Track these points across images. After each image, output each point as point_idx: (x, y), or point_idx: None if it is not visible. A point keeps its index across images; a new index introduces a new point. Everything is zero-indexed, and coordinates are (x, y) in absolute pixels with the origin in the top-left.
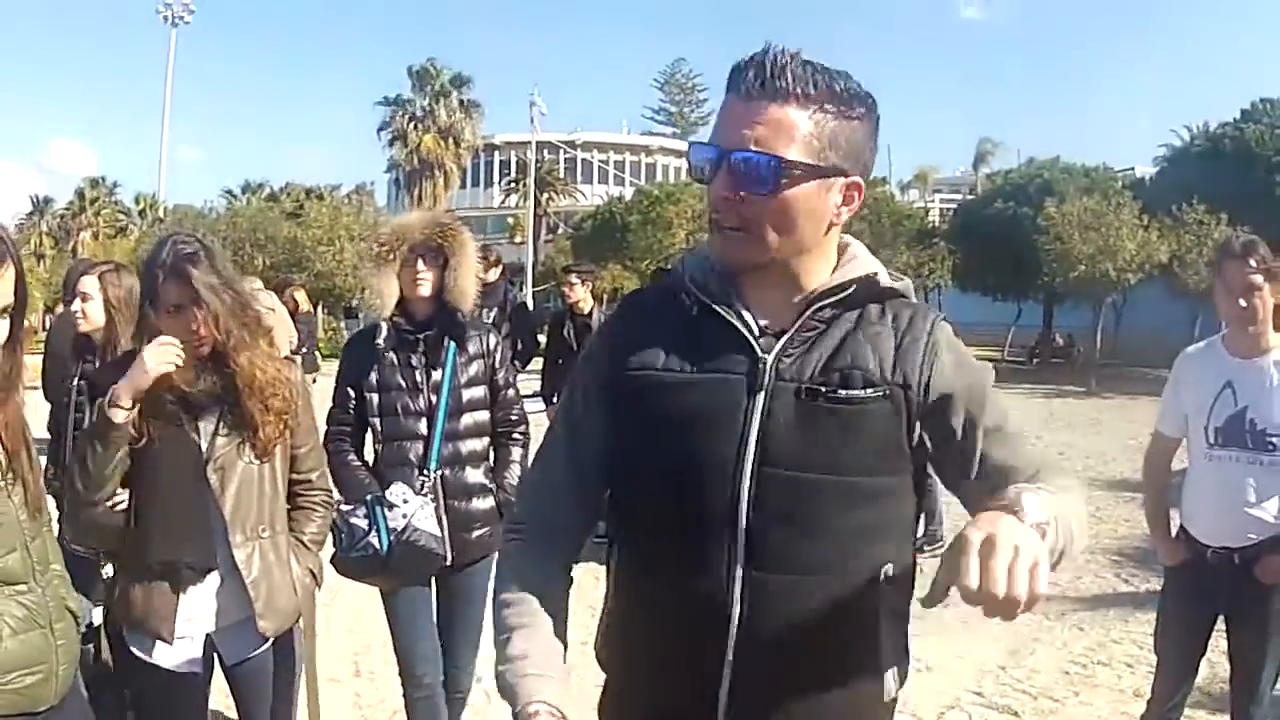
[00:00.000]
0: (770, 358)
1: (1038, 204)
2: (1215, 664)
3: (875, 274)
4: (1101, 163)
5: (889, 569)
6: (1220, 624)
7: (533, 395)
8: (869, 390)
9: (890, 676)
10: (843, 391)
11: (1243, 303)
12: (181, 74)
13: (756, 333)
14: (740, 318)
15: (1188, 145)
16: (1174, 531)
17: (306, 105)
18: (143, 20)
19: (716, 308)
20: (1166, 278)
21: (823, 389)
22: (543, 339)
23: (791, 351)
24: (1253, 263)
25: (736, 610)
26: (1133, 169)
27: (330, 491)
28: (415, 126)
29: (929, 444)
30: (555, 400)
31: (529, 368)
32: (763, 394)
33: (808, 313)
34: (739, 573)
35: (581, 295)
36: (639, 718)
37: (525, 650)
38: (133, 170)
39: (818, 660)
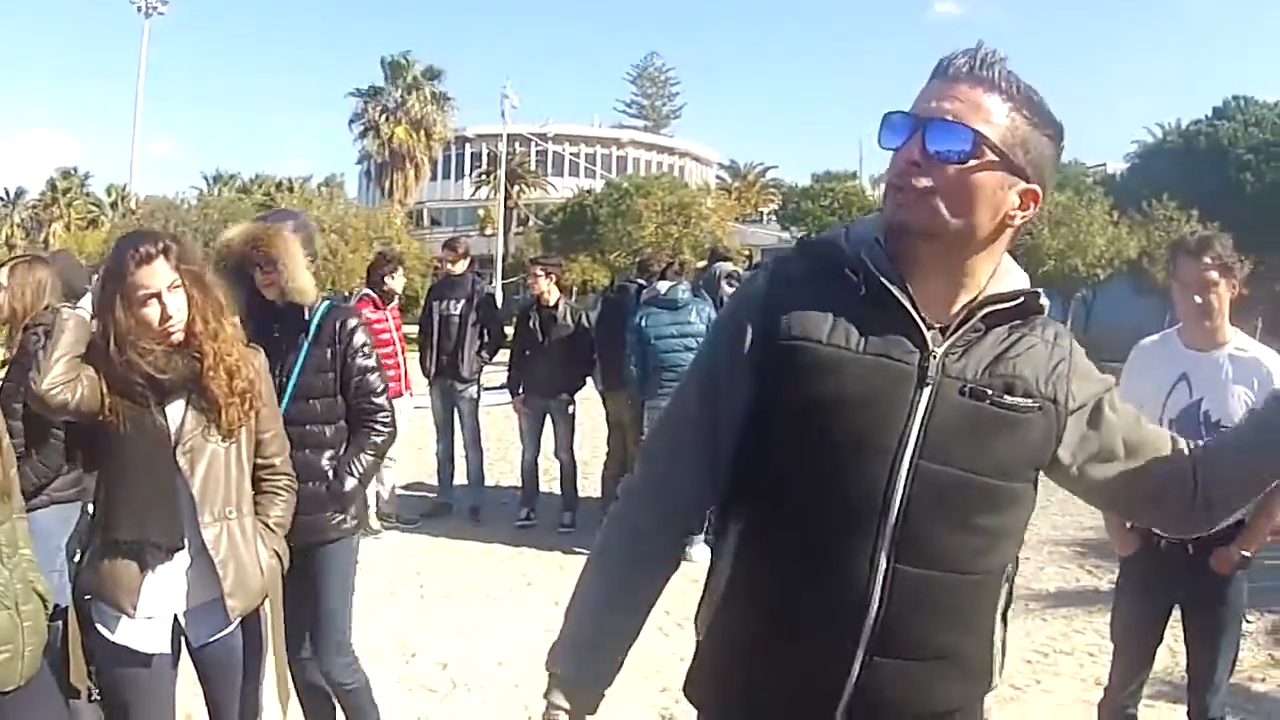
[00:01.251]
0: (940, 351)
1: None
2: (1176, 653)
3: (1037, 290)
4: (1073, 158)
5: (1009, 569)
6: (1177, 613)
7: (499, 387)
8: (1029, 400)
9: (996, 669)
10: (1007, 398)
11: (1198, 299)
12: (156, 65)
13: (925, 324)
14: (914, 304)
15: (1160, 142)
16: (1129, 522)
17: (279, 97)
18: (117, 10)
19: (892, 289)
20: (1136, 273)
21: (989, 392)
22: (510, 331)
23: (956, 349)
24: (1208, 259)
25: (875, 601)
26: (1105, 165)
27: (293, 476)
28: (387, 118)
29: (1073, 453)
30: (521, 392)
31: (496, 360)
32: (930, 387)
33: (979, 313)
34: (883, 564)
35: (547, 287)
36: (747, 704)
37: (589, 639)
38: (106, 161)
39: (943, 653)
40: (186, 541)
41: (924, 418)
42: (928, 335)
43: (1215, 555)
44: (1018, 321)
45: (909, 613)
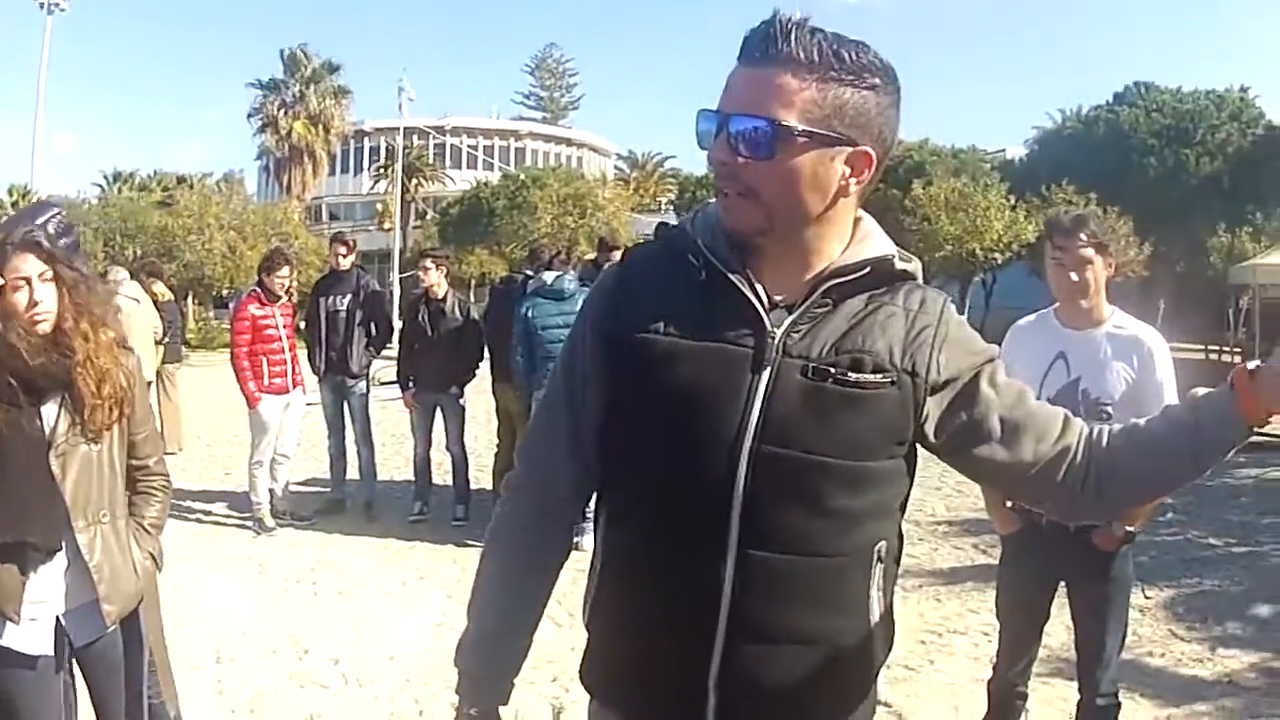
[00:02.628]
0: (779, 333)
1: (905, 185)
2: (1071, 629)
3: (890, 256)
4: (971, 145)
5: (881, 548)
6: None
7: (392, 382)
8: (878, 376)
9: (879, 649)
10: (852, 375)
11: (1074, 276)
12: (58, 61)
13: (767, 305)
14: (750, 286)
15: (1059, 127)
16: (1008, 500)
17: (179, 90)
18: (18, 7)
19: (729, 274)
20: (1034, 257)
21: (832, 370)
22: (399, 325)
23: (800, 328)
24: (1083, 236)
25: (729, 586)
26: (1003, 150)
27: (168, 477)
28: (286, 113)
29: (939, 428)
30: (412, 385)
31: (386, 354)
32: (769, 370)
33: (819, 290)
34: (731, 552)
35: (436, 280)
36: (627, 685)
37: (491, 631)
38: (5, 158)
39: (810, 637)
40: (64, 544)
41: (763, 401)
42: (767, 317)
43: (1098, 532)
44: (879, 291)
45: (765, 597)
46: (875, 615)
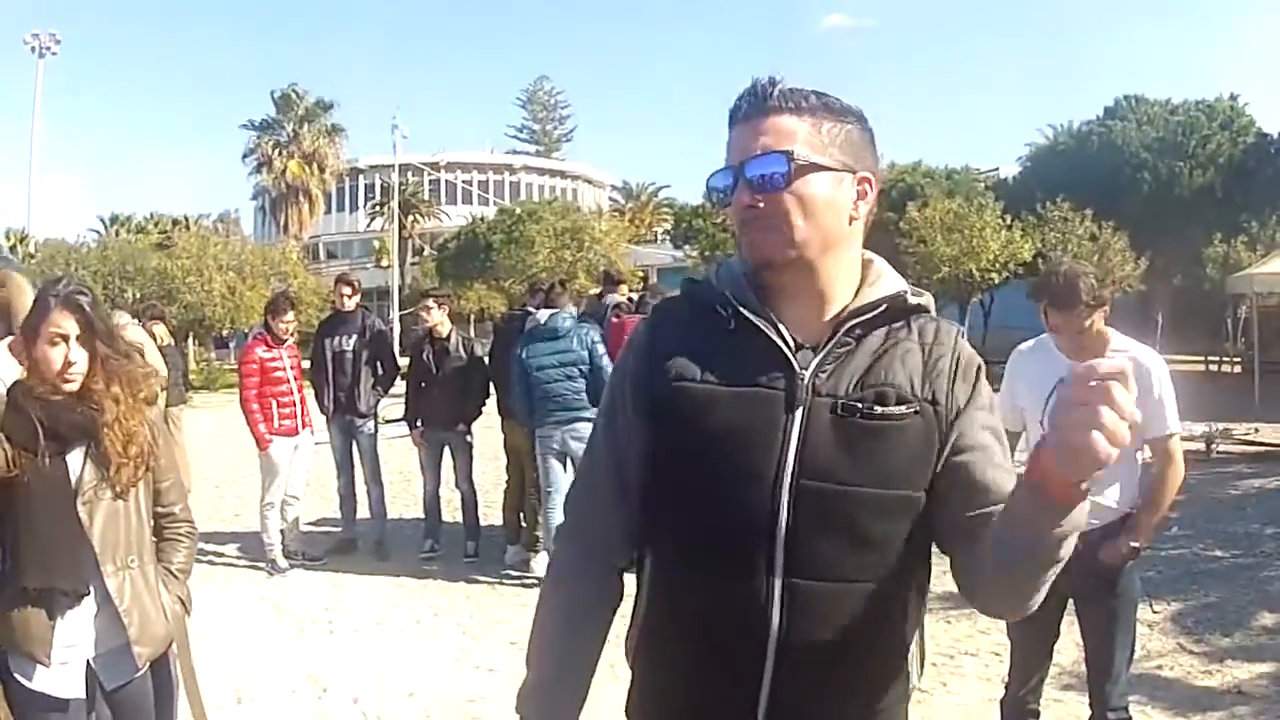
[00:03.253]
0: (808, 374)
1: (900, 207)
2: (1081, 647)
3: (903, 292)
4: (965, 165)
5: (919, 574)
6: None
7: (396, 420)
8: (902, 407)
9: (915, 675)
10: (878, 408)
11: (1073, 340)
12: (51, 104)
13: (793, 346)
14: (777, 331)
15: (1052, 143)
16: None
17: (173, 132)
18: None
19: (754, 320)
20: (1032, 275)
21: (859, 405)
22: (405, 364)
23: (826, 367)
24: (1081, 307)
25: (776, 618)
26: (997, 169)
27: (193, 523)
28: (280, 152)
29: (946, 458)
30: (419, 425)
31: (394, 392)
32: (801, 410)
33: (842, 330)
34: (778, 582)
35: (439, 319)
36: (678, 716)
37: (550, 676)
38: (3, 203)
39: (854, 663)
40: (92, 589)
41: (799, 439)
42: (794, 358)
43: (1104, 548)
44: (896, 326)
45: (810, 626)
46: (912, 640)
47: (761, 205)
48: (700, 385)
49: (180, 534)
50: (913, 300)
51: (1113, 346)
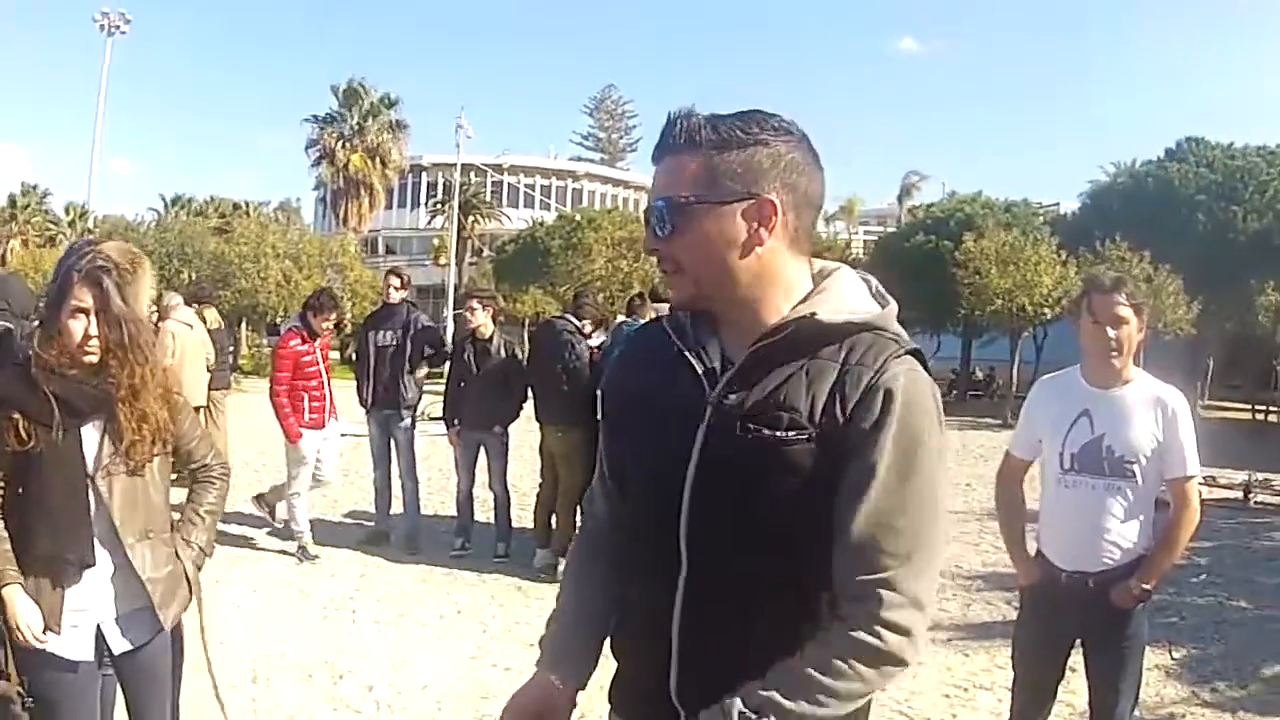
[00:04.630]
0: (714, 394)
1: (957, 238)
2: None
3: (814, 314)
4: (1024, 198)
5: (815, 579)
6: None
7: (438, 418)
8: (791, 433)
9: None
10: (766, 431)
11: (1110, 331)
12: (116, 84)
13: (717, 370)
14: (700, 356)
15: (1111, 181)
16: (1031, 553)
17: (237, 120)
18: (80, 28)
19: (676, 341)
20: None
21: (751, 426)
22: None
23: (734, 388)
24: (1122, 296)
25: (679, 609)
26: (1058, 204)
27: (226, 464)
28: (343, 145)
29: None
30: (456, 424)
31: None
32: (703, 426)
33: (750, 351)
34: (681, 579)
35: (483, 320)
36: (621, 700)
37: (554, 626)
38: (65, 179)
39: (747, 647)
40: (110, 557)
41: (699, 455)
42: (705, 380)
43: (1115, 589)
44: (817, 346)
45: (706, 622)
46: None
47: (660, 250)
48: (636, 398)
49: (213, 476)
50: (830, 319)
51: (1138, 383)
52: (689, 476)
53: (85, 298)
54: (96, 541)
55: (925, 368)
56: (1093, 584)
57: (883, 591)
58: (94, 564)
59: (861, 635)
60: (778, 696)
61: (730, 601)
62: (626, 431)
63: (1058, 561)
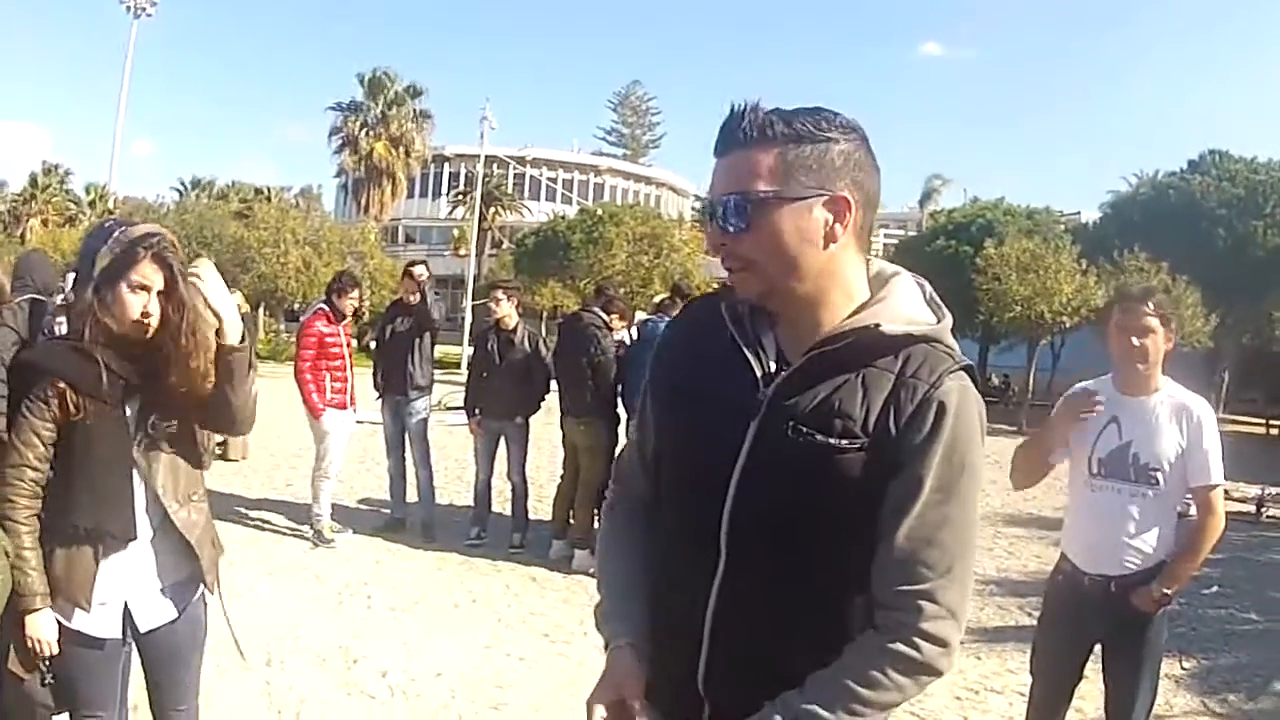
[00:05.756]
0: (770, 393)
1: (978, 243)
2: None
3: (877, 325)
4: (1045, 206)
5: (858, 585)
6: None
7: (456, 408)
8: (844, 440)
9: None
10: (819, 436)
11: (1136, 341)
12: (140, 66)
13: (773, 367)
14: (758, 353)
15: (1133, 192)
16: (1055, 560)
17: (260, 106)
18: (106, 10)
19: (735, 336)
20: (1104, 322)
21: (804, 430)
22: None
23: (790, 389)
24: (1150, 306)
25: (713, 603)
26: (1079, 213)
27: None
28: (367, 133)
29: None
30: (478, 413)
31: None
32: (754, 424)
33: (808, 356)
34: (718, 574)
35: (507, 311)
36: (656, 684)
37: (609, 597)
38: (86, 159)
39: (777, 647)
40: (151, 525)
41: (749, 452)
42: (760, 379)
43: (1136, 593)
44: (875, 354)
45: (739, 611)
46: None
47: (729, 247)
48: (688, 389)
49: None
50: (893, 331)
51: (1166, 392)
52: (736, 473)
53: (152, 276)
54: (140, 510)
55: (976, 384)
56: (1114, 587)
57: (923, 603)
58: (136, 538)
59: (899, 646)
60: (816, 707)
61: (765, 599)
62: (671, 418)
63: (1080, 564)
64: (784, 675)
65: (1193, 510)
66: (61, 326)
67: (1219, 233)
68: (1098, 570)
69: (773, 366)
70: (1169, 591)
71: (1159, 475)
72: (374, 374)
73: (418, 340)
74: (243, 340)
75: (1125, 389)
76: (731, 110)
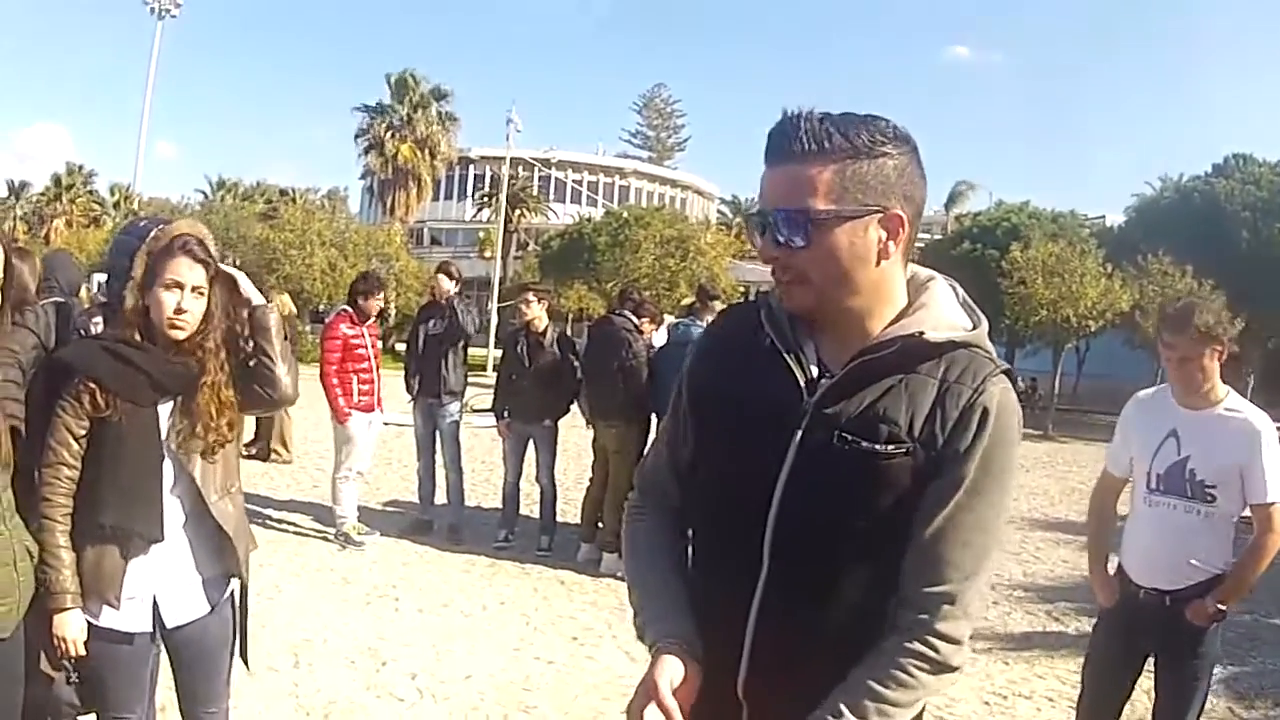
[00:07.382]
0: (813, 401)
1: (1004, 247)
2: (1149, 703)
3: (921, 333)
4: (1071, 209)
5: (890, 596)
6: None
7: (484, 410)
8: (890, 446)
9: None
10: (864, 443)
11: (1182, 369)
12: (165, 67)
13: (815, 374)
14: (799, 360)
15: (1158, 196)
16: (1081, 565)
17: (284, 107)
18: (130, 10)
19: (778, 346)
20: (1128, 326)
21: (849, 437)
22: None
23: (835, 395)
24: (1192, 331)
25: (755, 609)
26: (1103, 217)
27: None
28: (393, 135)
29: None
30: (506, 415)
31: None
32: (799, 432)
33: (853, 364)
34: (761, 580)
35: (538, 313)
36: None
37: (649, 602)
38: (110, 160)
39: (823, 680)
40: (188, 515)
41: (793, 459)
42: (804, 388)
43: (1191, 607)
44: (919, 360)
45: (780, 628)
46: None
47: (782, 260)
48: (727, 396)
49: None
50: (936, 339)
51: (1227, 405)
52: (780, 481)
53: (185, 274)
54: (179, 501)
55: (1015, 387)
56: (1169, 601)
57: (945, 604)
58: (162, 540)
59: (917, 645)
60: (843, 709)
61: (808, 605)
62: (710, 426)
63: (1136, 578)
64: (825, 681)
65: (1247, 514)
66: (97, 325)
67: (1243, 236)
68: (1153, 584)
69: (815, 373)
70: (1224, 606)
71: (1214, 492)
72: (405, 376)
73: (451, 346)
74: (268, 302)
75: (1184, 401)
76: (784, 117)
